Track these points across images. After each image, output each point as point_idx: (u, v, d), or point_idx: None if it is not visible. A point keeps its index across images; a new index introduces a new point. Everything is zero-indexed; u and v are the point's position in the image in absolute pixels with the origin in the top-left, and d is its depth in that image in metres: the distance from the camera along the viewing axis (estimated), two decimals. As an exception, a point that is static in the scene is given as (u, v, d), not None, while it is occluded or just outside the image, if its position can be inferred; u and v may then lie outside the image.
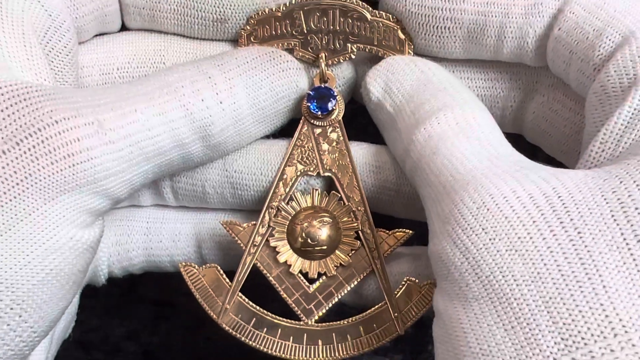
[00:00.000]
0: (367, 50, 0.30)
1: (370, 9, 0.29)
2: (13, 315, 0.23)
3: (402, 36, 0.29)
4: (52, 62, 0.27)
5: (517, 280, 0.20)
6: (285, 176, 0.29)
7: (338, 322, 0.29)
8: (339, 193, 0.29)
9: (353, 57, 0.30)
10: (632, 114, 0.23)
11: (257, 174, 0.30)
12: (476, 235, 0.21)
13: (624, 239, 0.19)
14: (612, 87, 0.24)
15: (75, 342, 0.41)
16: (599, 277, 0.19)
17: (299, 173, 0.29)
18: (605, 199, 0.20)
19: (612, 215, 0.20)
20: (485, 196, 0.22)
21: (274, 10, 0.29)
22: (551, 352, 0.19)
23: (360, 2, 0.29)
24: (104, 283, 0.32)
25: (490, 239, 0.21)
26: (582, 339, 0.18)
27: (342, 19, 0.29)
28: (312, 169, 0.29)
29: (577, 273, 0.19)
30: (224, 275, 0.29)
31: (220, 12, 0.29)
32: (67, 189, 0.23)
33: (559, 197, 0.21)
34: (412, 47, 0.29)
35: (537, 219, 0.21)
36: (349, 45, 0.29)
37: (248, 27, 0.29)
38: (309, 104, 0.29)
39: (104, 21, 0.30)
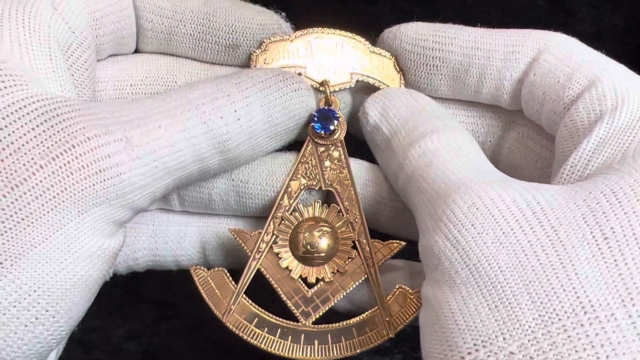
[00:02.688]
0: (365, 80, 0.32)
1: (370, 45, 0.32)
2: (48, 317, 0.24)
3: (396, 71, 0.32)
4: (73, 75, 0.29)
5: (502, 267, 0.23)
6: (290, 189, 0.32)
7: (333, 324, 0.31)
8: (339, 206, 0.31)
9: (353, 85, 0.32)
10: (598, 142, 0.26)
11: (262, 184, 0.32)
12: (466, 229, 0.24)
13: (593, 237, 0.23)
14: (581, 121, 0.27)
15: (76, 342, 0.41)
16: (572, 265, 0.22)
17: (302, 187, 0.32)
18: (577, 205, 0.23)
19: (583, 218, 0.23)
20: (475, 198, 0.25)
21: (285, 37, 0.32)
22: (530, 326, 0.21)
23: (362, 38, 0.32)
24: (107, 280, 0.33)
25: (478, 233, 0.24)
26: (557, 315, 0.21)
27: (345, 51, 0.32)
28: (314, 183, 0.32)
29: (553, 262, 0.22)
30: (230, 278, 0.31)
31: (233, 38, 0.31)
32: (97, 202, 0.25)
33: (538, 202, 0.24)
34: (404, 82, 0.32)
35: (519, 217, 0.24)
36: (350, 74, 0.32)
37: (261, 49, 0.32)
38: (314, 124, 0.31)
39: (121, 43, 0.32)
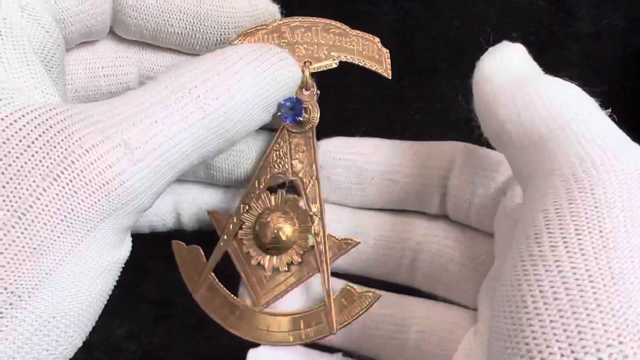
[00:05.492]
0: (348, 59, 0.32)
1: (349, 28, 0.32)
2: (66, 337, 0.24)
3: (381, 47, 0.32)
4: (49, 73, 0.27)
5: None
6: (260, 177, 0.32)
7: (284, 314, 0.32)
8: (302, 198, 0.32)
9: (335, 65, 0.32)
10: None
11: (229, 160, 0.32)
12: None
13: None
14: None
15: (75, 342, 0.41)
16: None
17: (271, 175, 0.32)
18: None
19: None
20: None
21: (262, 26, 0.31)
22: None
23: (341, 23, 0.32)
24: None
25: None
26: None
27: (324, 34, 0.32)
28: (283, 172, 0.32)
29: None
30: (204, 257, 0.32)
31: (225, 33, 0.30)
32: (104, 216, 0.24)
33: None
34: (390, 60, 0.32)
35: None
36: (332, 54, 0.32)
37: (237, 40, 0.31)
38: (281, 114, 0.30)
39: (90, 37, 0.30)
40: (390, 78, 0.32)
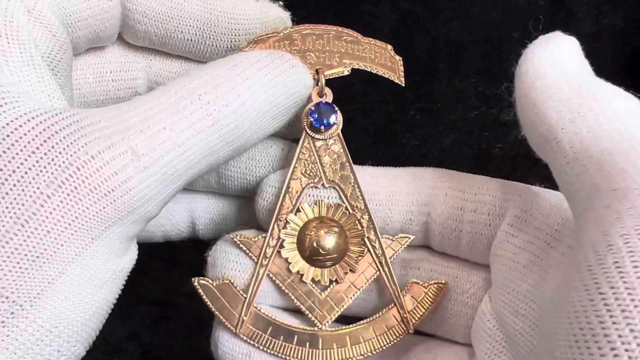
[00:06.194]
0: (361, 67, 0.31)
1: (362, 36, 0.31)
2: (68, 347, 0.23)
3: (394, 55, 0.31)
4: (56, 78, 0.27)
5: None
6: (290, 189, 0.30)
7: (351, 325, 0.30)
8: (344, 203, 0.30)
9: (347, 73, 0.31)
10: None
11: (241, 167, 0.31)
12: None
13: None
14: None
15: (76, 343, 0.41)
16: None
17: (303, 185, 0.30)
18: None
19: None
20: None
21: (273, 33, 0.31)
22: None
23: (353, 31, 0.31)
24: None
25: None
26: None
27: (336, 42, 0.31)
28: (316, 180, 0.30)
29: None
30: (238, 288, 0.30)
31: (235, 40, 0.30)
32: (109, 224, 0.23)
33: None
34: (403, 68, 0.32)
35: None
36: (344, 62, 0.31)
37: (248, 47, 0.30)
38: (312, 119, 0.30)
39: (98, 42, 0.30)
40: (403, 85, 0.32)
